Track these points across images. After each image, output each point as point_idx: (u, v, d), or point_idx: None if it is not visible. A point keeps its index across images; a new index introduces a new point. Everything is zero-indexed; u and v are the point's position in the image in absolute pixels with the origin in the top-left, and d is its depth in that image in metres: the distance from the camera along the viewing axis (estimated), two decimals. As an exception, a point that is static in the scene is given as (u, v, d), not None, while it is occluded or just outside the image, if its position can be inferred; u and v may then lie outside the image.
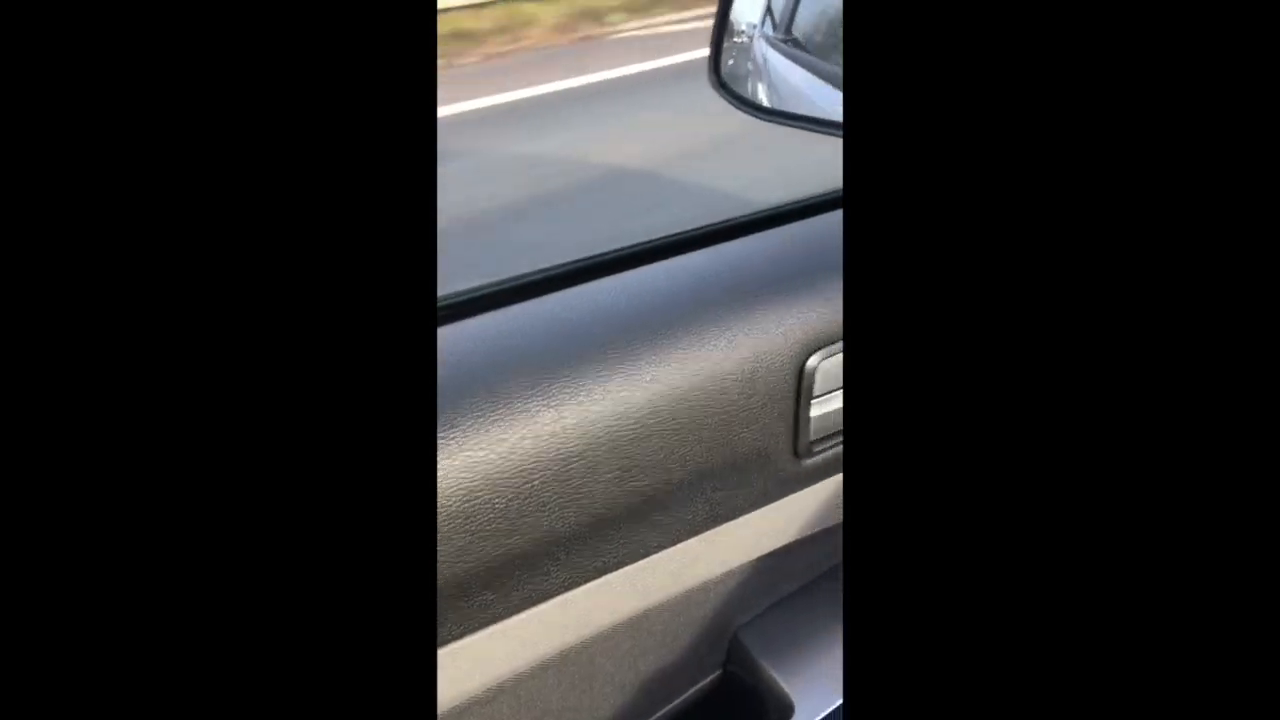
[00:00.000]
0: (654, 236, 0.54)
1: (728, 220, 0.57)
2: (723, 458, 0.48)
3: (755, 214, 0.58)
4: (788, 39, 1.03)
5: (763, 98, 1.02)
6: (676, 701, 0.59)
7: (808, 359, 0.48)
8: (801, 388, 0.49)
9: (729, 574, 0.56)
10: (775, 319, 0.47)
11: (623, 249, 0.54)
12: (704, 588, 0.54)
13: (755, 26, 1.03)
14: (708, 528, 0.51)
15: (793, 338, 0.47)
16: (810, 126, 0.84)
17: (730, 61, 1.05)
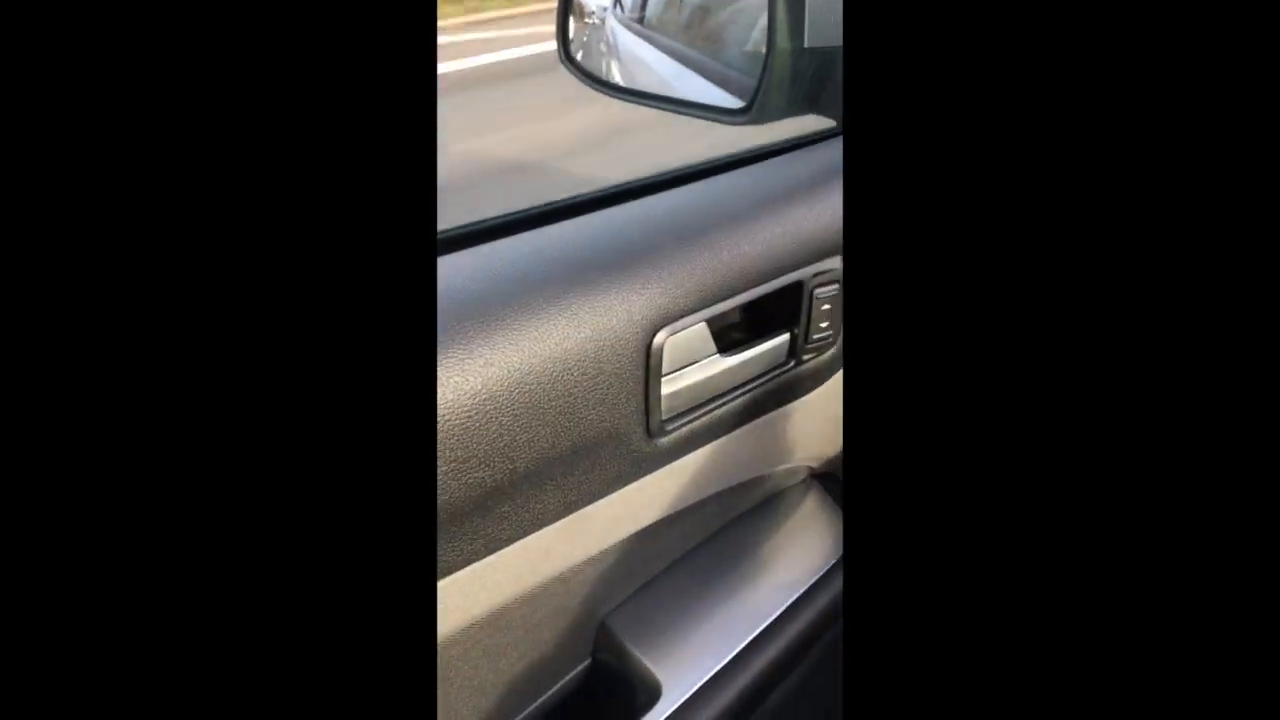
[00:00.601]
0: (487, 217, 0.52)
1: (567, 199, 0.55)
2: (570, 442, 0.46)
3: (597, 192, 0.56)
4: (640, 19, 1.03)
5: (616, 76, 1.01)
6: (544, 697, 0.57)
7: (654, 336, 0.47)
8: (650, 365, 0.48)
9: (590, 561, 0.54)
10: (619, 297, 0.46)
11: (454, 229, 0.51)
12: (563, 578, 0.53)
13: (606, 9, 1.02)
14: (561, 516, 0.49)
15: (638, 315, 0.46)
16: (661, 104, 0.84)
17: (584, 39, 1.03)
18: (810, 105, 0.73)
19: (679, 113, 0.80)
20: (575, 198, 0.56)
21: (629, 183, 0.58)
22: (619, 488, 0.52)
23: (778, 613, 0.62)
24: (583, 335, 0.44)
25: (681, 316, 0.49)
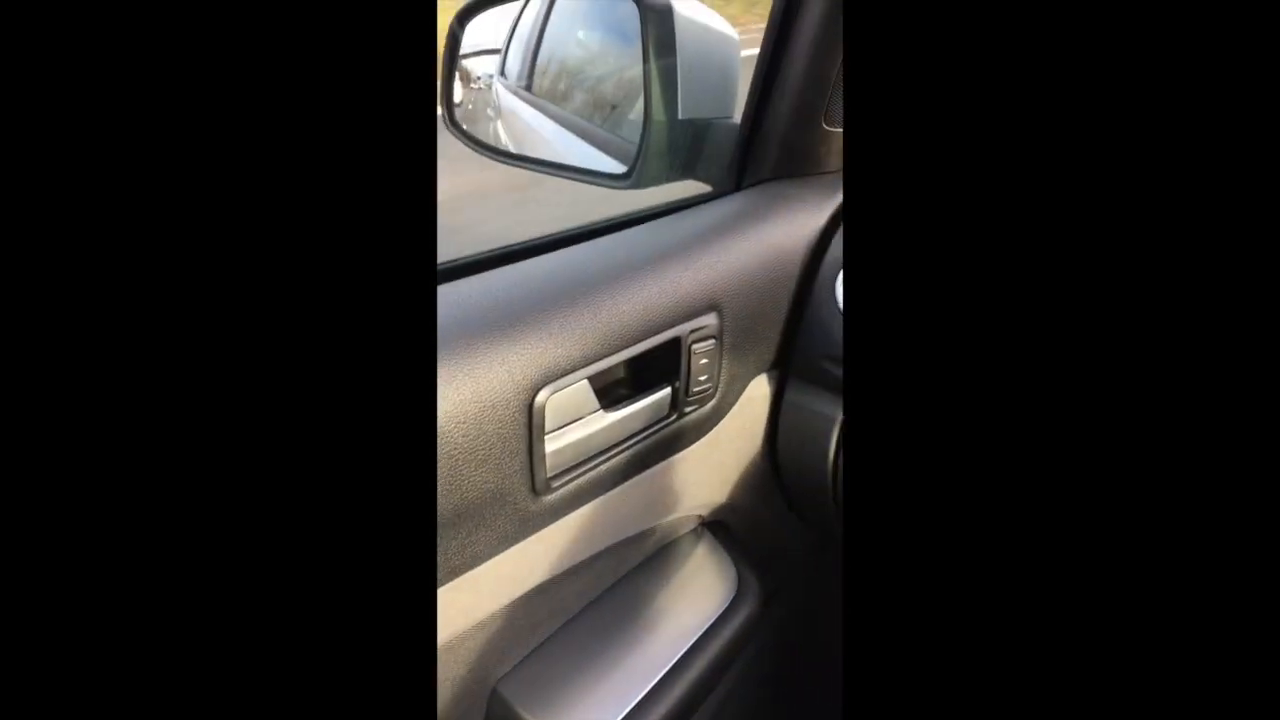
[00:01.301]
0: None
1: (444, 263, 0.56)
2: (453, 504, 0.46)
3: (473, 256, 0.57)
4: (526, 85, 1.06)
5: (504, 141, 1.03)
6: None
7: (536, 395, 0.48)
8: (533, 423, 0.49)
9: (479, 626, 0.53)
10: (499, 358, 0.47)
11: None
12: (451, 646, 0.52)
13: (492, 75, 1.05)
14: (447, 581, 0.48)
15: (518, 375, 0.47)
16: (547, 169, 0.86)
17: (470, 106, 1.05)
18: (686, 172, 0.77)
19: (564, 177, 0.83)
20: (451, 262, 0.56)
21: (507, 247, 0.59)
22: (506, 548, 0.52)
23: (674, 660, 0.63)
24: (462, 396, 0.45)
25: (563, 375, 0.50)
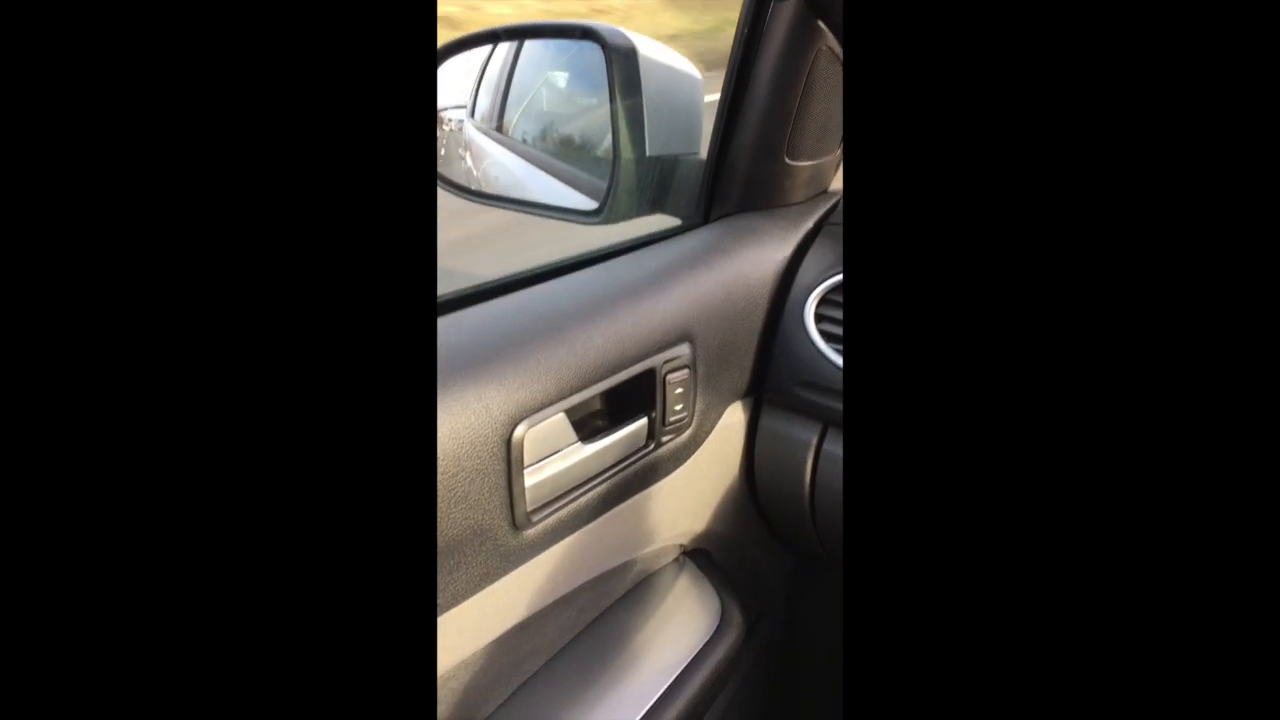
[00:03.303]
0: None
1: None
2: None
3: (452, 294, 0.58)
4: (497, 126, 1.08)
5: (475, 180, 1.05)
6: None
7: (514, 429, 0.49)
8: (511, 458, 0.49)
9: (462, 666, 0.53)
10: (475, 394, 0.47)
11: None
12: (436, 685, 0.51)
13: (462, 116, 1.06)
14: None
15: (496, 410, 0.48)
16: (519, 207, 0.88)
17: (442, 146, 1.07)
18: (655, 206, 0.79)
19: (537, 214, 0.85)
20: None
21: (480, 285, 0.60)
22: (488, 584, 0.52)
23: (660, 693, 0.63)
24: (440, 434, 0.45)
25: (540, 409, 0.51)
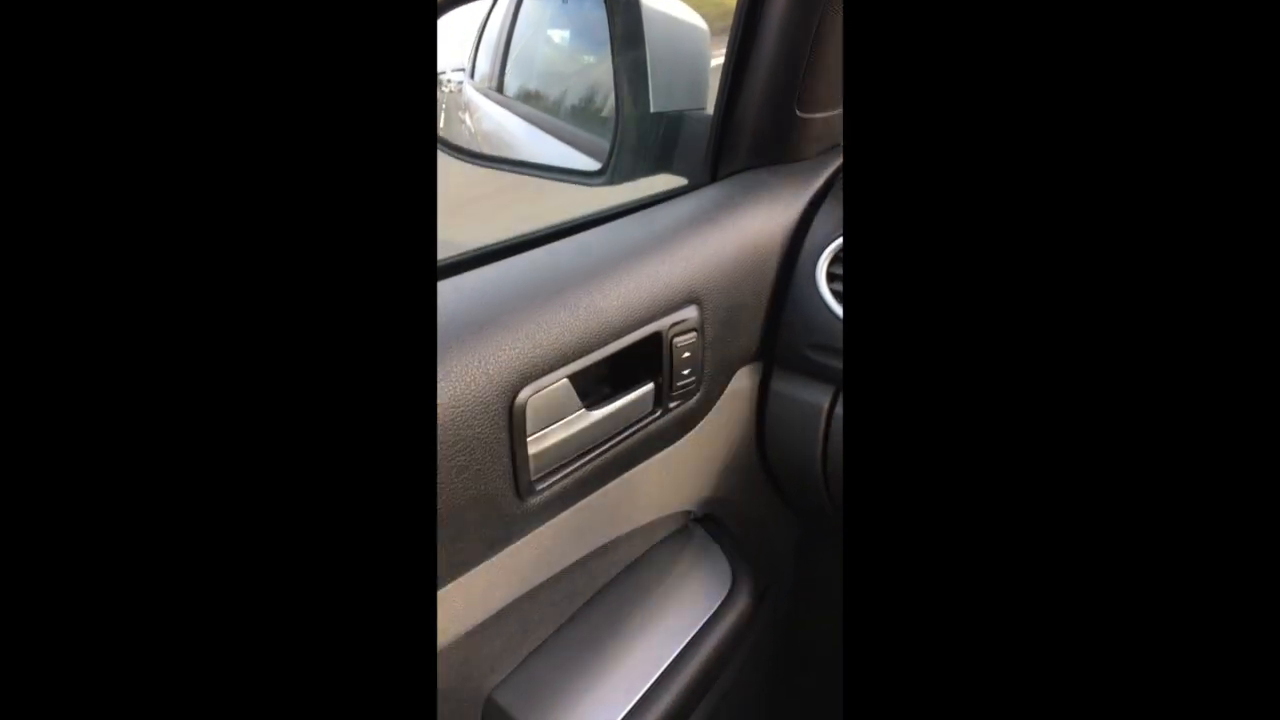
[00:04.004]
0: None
1: None
2: (437, 512, 0.45)
3: (452, 258, 0.56)
4: (498, 86, 1.05)
5: (477, 142, 1.02)
6: None
7: (516, 396, 0.47)
8: (514, 425, 0.48)
9: (470, 635, 0.52)
10: (476, 360, 0.46)
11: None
12: (442, 655, 0.51)
13: (462, 76, 1.04)
14: (434, 590, 0.47)
15: (497, 377, 0.46)
16: (521, 169, 0.86)
17: (442, 107, 1.04)
18: (660, 165, 0.77)
19: (538, 176, 0.83)
20: None
21: (481, 248, 0.59)
22: (493, 553, 0.51)
23: (670, 659, 0.62)
24: (441, 401, 0.44)
25: (543, 374, 0.49)
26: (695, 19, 0.76)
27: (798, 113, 0.67)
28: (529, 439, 0.49)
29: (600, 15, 0.74)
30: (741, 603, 0.68)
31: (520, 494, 0.50)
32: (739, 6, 0.66)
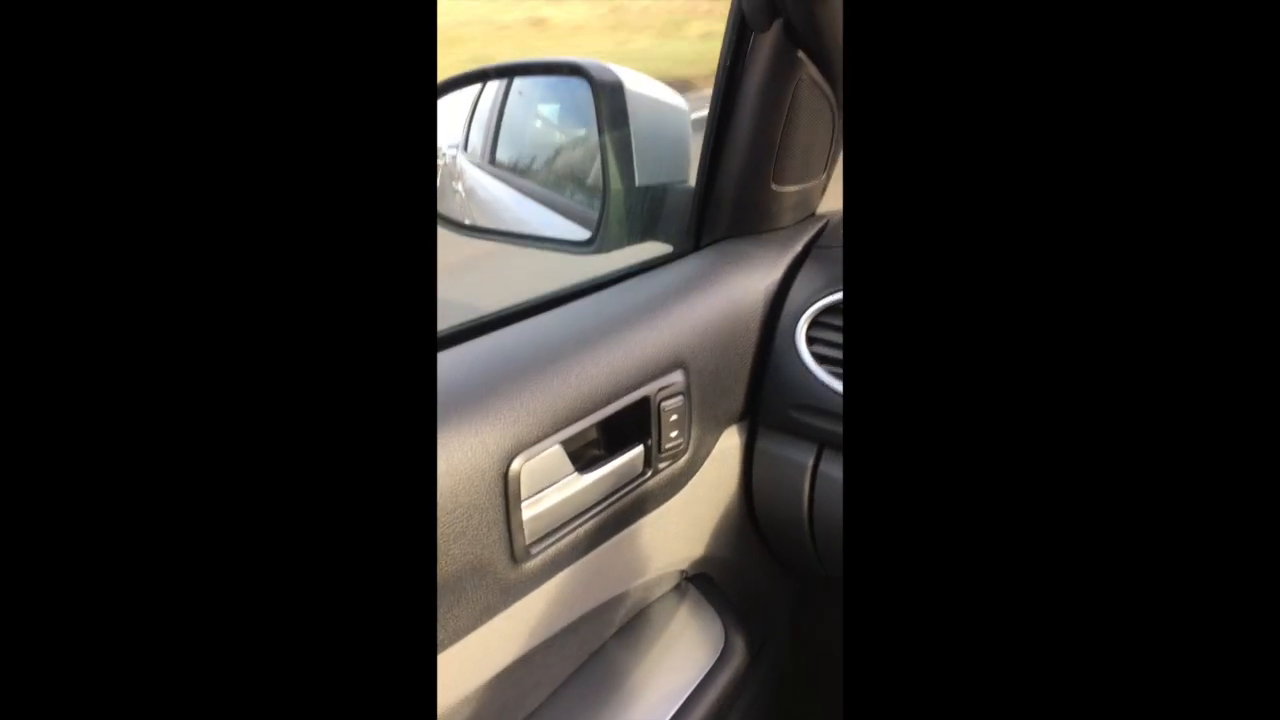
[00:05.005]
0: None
1: None
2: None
3: (446, 330, 0.59)
4: (490, 159, 1.10)
5: (471, 214, 1.06)
6: None
7: (510, 463, 0.49)
8: (509, 492, 0.49)
9: (464, 702, 0.53)
10: (472, 430, 0.48)
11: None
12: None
13: (455, 150, 1.08)
14: None
15: (492, 445, 0.48)
16: (514, 240, 0.89)
17: (437, 180, 1.08)
18: (646, 234, 0.80)
19: (530, 246, 0.86)
20: None
21: (475, 320, 0.61)
22: (489, 619, 0.52)
23: (668, 719, 0.62)
24: (438, 471, 0.45)
25: (536, 442, 0.51)
26: (677, 99, 0.81)
27: (773, 186, 0.71)
28: (523, 504, 0.51)
29: (587, 95, 0.79)
30: (736, 661, 0.69)
31: (515, 558, 0.51)
32: (716, 87, 0.70)
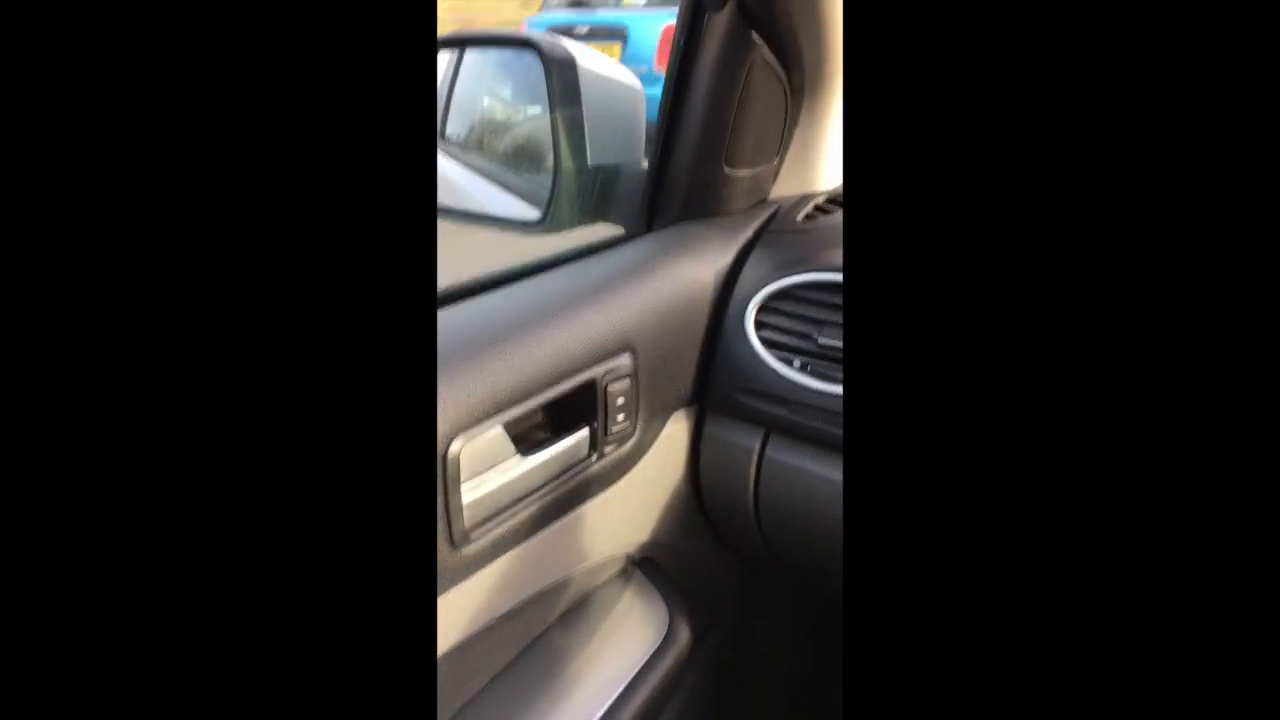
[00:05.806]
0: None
1: None
2: None
3: None
4: (441, 136, 1.07)
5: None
6: None
7: (450, 445, 0.48)
8: (447, 474, 0.48)
9: None
10: None
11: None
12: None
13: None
14: None
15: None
16: (462, 219, 0.87)
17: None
18: (598, 215, 0.79)
19: (479, 225, 0.84)
20: None
21: None
22: None
23: (606, 706, 0.62)
24: None
25: (476, 423, 0.50)
26: (631, 79, 0.79)
27: (726, 169, 0.70)
28: (463, 486, 0.50)
29: (540, 70, 0.77)
30: (678, 647, 0.69)
31: (454, 543, 0.50)
32: (669, 70, 0.69)
